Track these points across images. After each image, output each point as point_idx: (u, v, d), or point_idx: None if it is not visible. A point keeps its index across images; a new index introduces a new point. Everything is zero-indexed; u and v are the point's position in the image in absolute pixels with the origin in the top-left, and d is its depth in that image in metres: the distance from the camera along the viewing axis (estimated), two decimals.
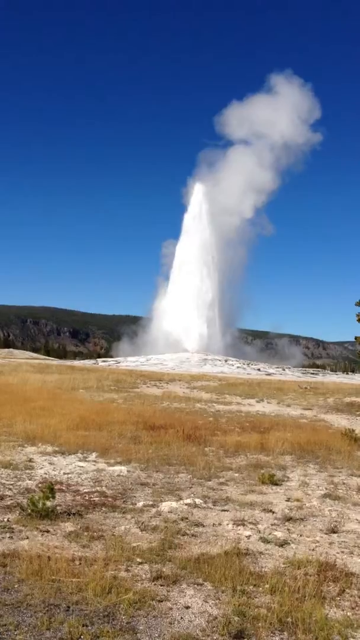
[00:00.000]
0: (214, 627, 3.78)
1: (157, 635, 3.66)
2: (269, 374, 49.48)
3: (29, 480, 7.82)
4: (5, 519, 5.86)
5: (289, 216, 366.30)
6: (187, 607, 4.06)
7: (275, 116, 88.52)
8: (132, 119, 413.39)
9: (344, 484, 8.56)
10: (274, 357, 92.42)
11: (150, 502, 6.85)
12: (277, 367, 60.68)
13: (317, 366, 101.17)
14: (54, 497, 6.07)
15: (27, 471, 8.36)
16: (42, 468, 8.66)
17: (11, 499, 6.69)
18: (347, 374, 68.40)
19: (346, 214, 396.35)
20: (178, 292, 77.85)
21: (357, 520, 6.60)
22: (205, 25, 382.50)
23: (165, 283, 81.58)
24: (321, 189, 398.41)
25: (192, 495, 7.36)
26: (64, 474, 8.36)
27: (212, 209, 79.86)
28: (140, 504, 6.75)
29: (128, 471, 8.63)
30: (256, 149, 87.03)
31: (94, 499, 6.90)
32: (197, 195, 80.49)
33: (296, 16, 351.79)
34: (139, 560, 4.87)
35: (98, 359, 72.26)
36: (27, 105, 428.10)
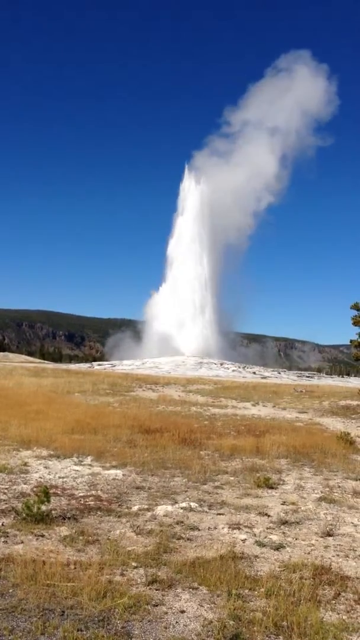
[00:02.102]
0: (209, 631, 3.77)
1: (152, 639, 3.65)
2: (264, 377, 49.51)
3: (24, 484, 7.79)
4: (0, 523, 5.84)
5: (286, 219, 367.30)
6: (183, 612, 4.04)
7: (280, 112, 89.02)
8: (131, 119, 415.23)
9: (339, 487, 8.56)
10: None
11: (146, 506, 6.84)
12: (273, 371, 60.85)
13: (313, 369, 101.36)
14: (49, 501, 6.04)
15: (22, 475, 8.33)
16: (37, 472, 8.63)
17: (6, 503, 6.66)
18: (343, 377, 68.64)
19: (343, 217, 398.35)
20: (173, 294, 77.78)
21: (352, 523, 6.60)
22: (205, 24, 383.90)
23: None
24: (321, 192, 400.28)
25: (188, 498, 7.35)
26: (59, 477, 8.33)
27: (210, 207, 79.80)
28: (135, 508, 6.73)
29: (123, 475, 8.61)
30: (256, 150, 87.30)
31: (89, 503, 6.88)
32: (191, 194, 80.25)
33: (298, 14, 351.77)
34: (134, 564, 4.85)
35: (93, 363, 72.34)
36: (26, 108, 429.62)
